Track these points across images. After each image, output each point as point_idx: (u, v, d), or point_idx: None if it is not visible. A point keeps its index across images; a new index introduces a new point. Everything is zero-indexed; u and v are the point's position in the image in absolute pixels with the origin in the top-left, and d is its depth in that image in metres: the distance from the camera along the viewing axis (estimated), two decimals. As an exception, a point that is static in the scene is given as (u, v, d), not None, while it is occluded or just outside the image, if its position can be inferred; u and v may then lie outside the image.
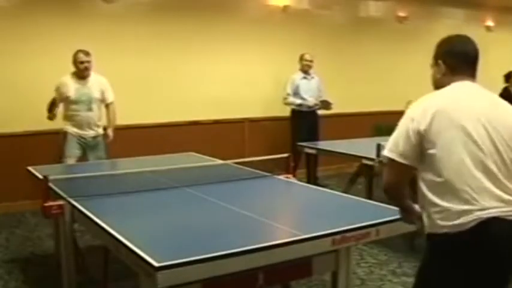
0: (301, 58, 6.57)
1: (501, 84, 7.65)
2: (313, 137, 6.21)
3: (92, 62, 4.98)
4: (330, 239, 2.25)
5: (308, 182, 5.08)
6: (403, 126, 1.95)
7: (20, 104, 5.49)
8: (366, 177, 5.15)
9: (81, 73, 4.96)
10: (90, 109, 5.01)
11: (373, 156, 4.22)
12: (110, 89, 5.13)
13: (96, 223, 2.51)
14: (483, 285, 1.88)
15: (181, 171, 3.67)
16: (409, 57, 8.04)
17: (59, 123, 5.67)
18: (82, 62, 4.92)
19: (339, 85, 7.24)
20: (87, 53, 4.95)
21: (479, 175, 1.84)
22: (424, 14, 8.16)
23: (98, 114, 5.09)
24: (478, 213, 1.81)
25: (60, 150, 5.01)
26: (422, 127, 1.89)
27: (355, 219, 2.42)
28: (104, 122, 5.17)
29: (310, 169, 6.22)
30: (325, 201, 3.08)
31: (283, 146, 5.69)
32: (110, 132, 5.14)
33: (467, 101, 1.96)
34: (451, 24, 8.54)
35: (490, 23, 9.08)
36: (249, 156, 4.15)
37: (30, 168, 3.86)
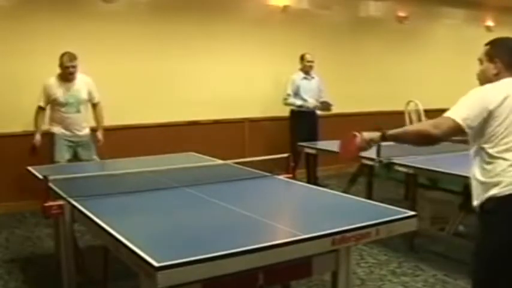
0: (303, 58, 6.56)
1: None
2: (313, 137, 6.21)
3: (78, 65, 4.97)
4: (330, 239, 2.25)
5: (308, 182, 5.08)
6: (475, 99, 2.22)
7: (20, 104, 5.49)
8: (366, 177, 5.15)
9: (66, 77, 4.96)
10: (78, 111, 5.03)
11: (373, 156, 4.22)
12: (96, 89, 5.13)
13: (96, 223, 2.50)
14: None
15: (181, 171, 3.67)
16: (409, 57, 8.05)
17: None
18: (67, 67, 4.92)
19: (339, 85, 7.24)
20: (72, 58, 4.93)
21: None
22: (424, 14, 8.16)
23: (85, 115, 5.12)
24: None
25: (49, 153, 5.00)
26: (493, 105, 2.17)
27: (355, 219, 2.42)
28: (90, 122, 5.19)
29: (310, 169, 6.23)
30: (325, 201, 3.08)
31: (283, 146, 5.69)
32: (100, 135, 5.17)
33: None
34: (451, 24, 8.56)
35: (490, 23, 9.08)
36: (249, 156, 4.15)
37: (30, 168, 3.86)
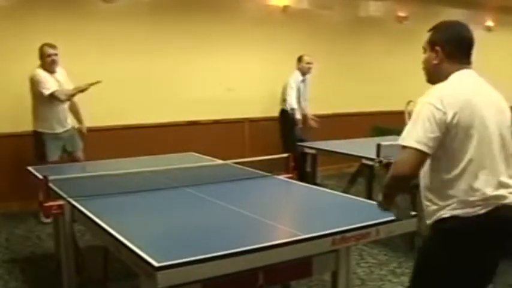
0: (301, 60, 6.47)
1: (501, 84, 7.66)
2: (304, 138, 6.22)
3: (58, 54, 4.92)
4: (330, 239, 2.25)
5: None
6: (427, 116, 1.90)
7: (20, 104, 5.48)
8: (366, 177, 5.15)
9: (49, 67, 4.90)
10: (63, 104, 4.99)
11: (373, 156, 4.22)
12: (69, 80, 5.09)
13: (96, 223, 2.51)
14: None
15: (181, 171, 3.67)
16: (409, 57, 8.00)
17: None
18: (49, 55, 4.87)
19: (338, 85, 7.25)
20: (53, 46, 4.90)
21: (496, 165, 1.95)
22: (424, 14, 8.15)
23: (68, 108, 5.09)
24: (494, 201, 1.92)
25: (38, 153, 4.93)
26: (448, 116, 1.90)
27: (355, 219, 2.42)
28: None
29: (303, 169, 6.22)
30: (325, 201, 3.08)
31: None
32: (84, 128, 5.14)
33: (479, 91, 2.01)
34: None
35: (490, 23, 9.08)
36: (249, 156, 4.16)
37: (30, 168, 3.86)
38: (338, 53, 7.44)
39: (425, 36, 2.14)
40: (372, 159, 4.28)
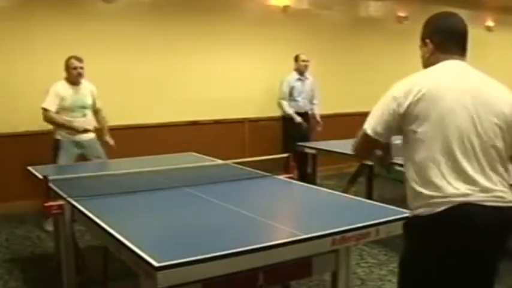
0: (297, 59, 6.47)
1: (501, 84, 7.66)
2: (305, 138, 6.22)
3: (84, 68, 4.96)
4: (330, 239, 2.25)
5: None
6: (384, 105, 1.96)
7: (20, 104, 5.49)
8: (366, 177, 5.15)
9: (74, 79, 4.95)
10: (84, 115, 5.01)
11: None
12: (97, 94, 5.13)
13: (96, 223, 2.51)
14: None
15: (181, 171, 3.67)
16: (409, 57, 7.99)
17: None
18: (75, 68, 4.92)
19: (338, 85, 7.25)
20: (79, 59, 4.95)
21: (458, 160, 1.82)
22: (424, 14, 8.08)
23: (91, 119, 5.10)
24: (453, 198, 1.80)
25: (52, 158, 4.93)
26: (403, 107, 1.88)
27: (355, 219, 2.42)
28: (94, 124, 5.17)
29: (303, 169, 6.21)
30: (325, 201, 3.08)
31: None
32: (110, 139, 5.14)
33: (453, 82, 1.89)
34: (451, 24, 8.54)
35: (490, 23, 9.08)
36: (249, 156, 4.15)
37: (30, 168, 3.86)
38: (338, 53, 7.44)
39: (482, 49, 2.15)
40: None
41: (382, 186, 5.20)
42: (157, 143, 5.73)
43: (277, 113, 6.75)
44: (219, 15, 6.53)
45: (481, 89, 1.90)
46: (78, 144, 5.00)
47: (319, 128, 6.59)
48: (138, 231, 2.42)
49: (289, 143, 6.01)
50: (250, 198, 3.16)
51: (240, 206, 2.78)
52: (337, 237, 2.27)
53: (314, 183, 4.92)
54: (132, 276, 2.16)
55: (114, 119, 5.56)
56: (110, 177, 3.54)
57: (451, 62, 1.96)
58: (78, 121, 4.94)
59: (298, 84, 6.51)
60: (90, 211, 2.68)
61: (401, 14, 8.03)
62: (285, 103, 6.45)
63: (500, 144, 1.85)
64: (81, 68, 4.95)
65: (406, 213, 2.45)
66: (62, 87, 4.93)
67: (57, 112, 4.90)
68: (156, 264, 1.87)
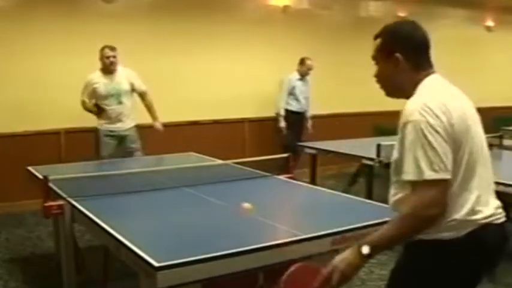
0: (303, 63, 6.56)
1: (501, 84, 7.66)
2: (300, 138, 6.26)
3: (118, 56, 5.05)
4: (330, 239, 2.26)
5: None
6: (433, 136, 1.61)
7: (20, 104, 5.49)
8: (366, 177, 5.15)
9: (107, 68, 5.02)
10: (120, 102, 5.09)
11: (373, 156, 4.22)
12: (137, 78, 5.20)
13: (96, 223, 2.51)
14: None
15: (181, 171, 3.67)
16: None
17: (57, 123, 5.69)
18: (108, 57, 5.00)
19: (338, 85, 7.24)
20: (112, 48, 5.03)
21: (480, 179, 1.73)
22: (424, 14, 8.15)
23: (128, 107, 5.16)
24: (483, 221, 1.70)
25: (95, 148, 5.07)
26: (448, 132, 1.63)
27: (355, 219, 2.42)
28: (136, 116, 5.27)
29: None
30: (325, 201, 3.08)
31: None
32: (158, 124, 5.26)
33: (462, 99, 1.77)
34: (451, 24, 8.55)
35: (490, 23, 9.07)
36: (249, 156, 4.15)
37: (30, 168, 3.86)
38: (338, 53, 7.44)
39: (374, 44, 1.90)
40: (372, 159, 4.30)
41: (382, 186, 5.19)
42: (157, 143, 5.72)
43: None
44: (219, 15, 6.53)
45: (470, 105, 1.80)
46: (115, 134, 5.10)
47: (310, 130, 6.63)
48: (138, 231, 2.42)
49: (287, 140, 6.06)
50: (250, 198, 3.15)
51: (240, 206, 2.78)
52: (337, 237, 2.27)
53: (314, 183, 4.92)
54: (132, 276, 2.16)
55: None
56: (110, 177, 3.54)
57: (438, 77, 1.79)
58: (112, 109, 5.03)
59: (299, 83, 6.56)
60: (90, 211, 2.68)
61: (401, 14, 8.02)
62: (282, 102, 6.48)
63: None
64: (114, 56, 5.02)
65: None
66: (95, 77, 5.04)
67: (96, 102, 5.03)
68: (156, 264, 1.87)
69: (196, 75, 6.46)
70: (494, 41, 8.61)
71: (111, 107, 5.06)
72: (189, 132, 6.33)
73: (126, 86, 5.09)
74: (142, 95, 5.27)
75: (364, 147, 4.81)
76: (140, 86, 5.20)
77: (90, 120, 5.34)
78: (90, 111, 5.07)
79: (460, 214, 1.67)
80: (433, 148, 1.60)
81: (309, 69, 6.58)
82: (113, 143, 5.12)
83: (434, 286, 1.75)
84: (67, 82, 5.63)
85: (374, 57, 1.86)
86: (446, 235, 1.68)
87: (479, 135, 1.76)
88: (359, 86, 7.47)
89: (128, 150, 5.16)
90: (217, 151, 4.73)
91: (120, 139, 5.13)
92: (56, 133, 5.72)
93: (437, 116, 1.62)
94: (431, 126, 1.61)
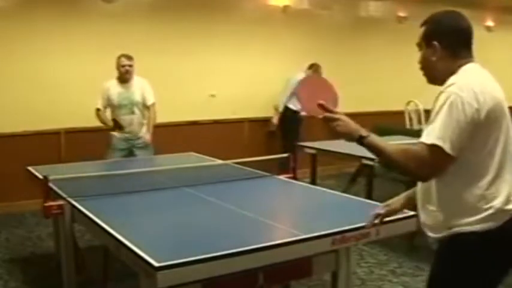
0: (316, 70, 6.57)
1: (501, 84, 7.64)
2: (299, 138, 6.27)
3: (134, 65, 5.04)
4: (330, 239, 2.25)
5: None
6: (454, 110, 1.66)
7: (20, 104, 5.49)
8: (366, 177, 5.14)
9: (122, 77, 5.01)
10: (132, 112, 5.07)
11: (373, 156, 4.21)
12: (150, 90, 5.16)
13: (96, 223, 2.51)
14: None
15: (181, 171, 3.67)
16: (409, 57, 8.00)
17: (57, 123, 5.69)
18: (123, 66, 4.99)
19: (338, 85, 7.18)
20: (129, 57, 5.02)
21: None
22: (424, 14, 8.10)
23: (140, 117, 5.14)
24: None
25: (106, 152, 5.04)
26: (480, 113, 1.67)
27: (355, 219, 2.42)
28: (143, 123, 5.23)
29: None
30: (325, 201, 3.08)
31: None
32: (146, 135, 5.15)
33: (498, 90, 1.80)
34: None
35: (490, 23, 9.07)
36: (249, 156, 4.15)
37: (30, 168, 3.86)
38: (338, 53, 7.43)
39: (419, 31, 1.96)
40: (372, 159, 4.29)
41: (382, 186, 5.19)
42: (157, 143, 5.72)
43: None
44: (219, 15, 6.53)
45: (503, 97, 1.82)
46: (127, 143, 5.08)
47: None
48: (138, 231, 2.42)
49: (287, 136, 6.07)
50: (250, 198, 3.16)
51: (240, 206, 2.78)
52: (337, 237, 2.27)
53: (314, 183, 4.92)
54: (132, 276, 2.16)
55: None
56: (110, 177, 3.54)
57: (477, 66, 1.84)
58: (124, 118, 5.00)
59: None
60: (90, 211, 2.68)
61: (401, 14, 8.02)
62: (284, 99, 6.50)
63: None
64: (130, 65, 5.01)
65: (406, 213, 2.47)
66: (111, 86, 5.02)
67: (110, 110, 5.04)
68: (156, 264, 1.87)
69: (196, 75, 6.46)
70: (494, 41, 8.61)
71: (123, 116, 5.05)
72: (189, 132, 6.32)
73: (138, 97, 5.08)
74: (148, 107, 5.21)
75: (364, 147, 4.80)
76: (148, 99, 5.14)
77: (90, 120, 5.34)
78: (104, 123, 5.04)
79: (497, 202, 1.71)
80: (451, 124, 1.65)
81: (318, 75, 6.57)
82: (123, 151, 5.08)
83: (471, 279, 1.77)
84: (67, 82, 5.64)
85: (418, 44, 1.91)
86: (484, 226, 1.71)
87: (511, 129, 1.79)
88: (359, 86, 7.49)
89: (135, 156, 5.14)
90: (217, 151, 4.72)
91: (132, 148, 5.11)
92: (56, 133, 5.72)
93: (473, 97, 1.67)
94: (462, 103, 1.66)
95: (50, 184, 3.02)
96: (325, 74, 6.92)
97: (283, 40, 6.95)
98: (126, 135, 5.05)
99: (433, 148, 1.67)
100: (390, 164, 1.86)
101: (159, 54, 6.17)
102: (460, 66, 1.80)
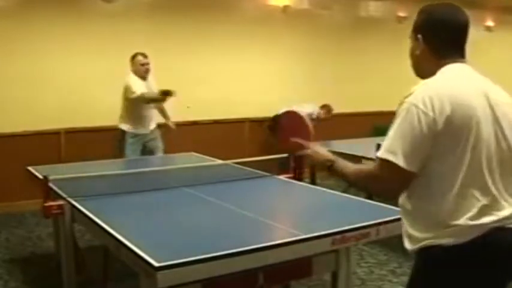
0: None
1: (501, 84, 7.65)
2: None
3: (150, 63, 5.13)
4: (330, 239, 2.25)
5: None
6: (408, 121, 1.54)
7: (20, 104, 5.49)
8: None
9: (143, 75, 5.10)
10: (151, 106, 5.21)
11: (373, 156, 4.22)
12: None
13: (96, 223, 2.51)
14: None
15: (181, 171, 3.67)
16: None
17: (57, 123, 5.69)
18: (143, 64, 5.08)
19: (338, 85, 7.24)
20: (145, 55, 5.12)
21: (488, 183, 1.58)
22: (424, 14, 8.15)
23: (154, 110, 5.31)
24: (493, 225, 1.56)
25: (118, 149, 5.10)
26: (439, 125, 1.52)
27: (355, 219, 2.42)
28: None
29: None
30: (325, 201, 3.08)
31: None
32: (169, 122, 5.41)
33: (476, 94, 1.61)
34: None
35: (490, 23, 9.07)
36: (249, 156, 4.15)
37: (30, 168, 3.86)
38: (338, 53, 7.43)
39: (482, 48, 1.82)
40: (372, 159, 4.29)
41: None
42: (157, 143, 5.74)
43: (277, 112, 6.75)
44: (219, 15, 6.53)
45: (502, 98, 1.68)
46: (139, 137, 5.15)
47: None
48: (138, 231, 2.42)
49: None
50: (250, 198, 3.16)
51: (240, 206, 2.78)
52: (337, 237, 2.27)
53: (314, 183, 4.92)
54: (132, 276, 2.16)
55: (112, 120, 5.55)
56: (110, 177, 3.54)
57: (461, 66, 1.68)
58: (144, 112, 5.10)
59: None
60: (90, 211, 2.68)
61: (401, 14, 8.02)
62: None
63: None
64: (148, 64, 5.12)
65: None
66: (137, 79, 5.07)
67: (128, 105, 5.07)
68: (156, 264, 1.87)
69: (196, 75, 6.45)
70: (494, 41, 8.62)
71: (148, 110, 5.17)
72: (189, 132, 6.32)
73: (156, 91, 5.16)
74: None
75: (363, 147, 4.81)
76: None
77: (90, 120, 5.35)
78: (154, 100, 5.07)
79: (462, 219, 1.56)
80: (404, 136, 1.54)
81: None
82: (139, 146, 5.16)
83: None
84: (67, 82, 5.64)
85: (410, 35, 1.77)
86: (448, 241, 1.56)
87: (494, 135, 1.60)
88: (359, 86, 7.49)
89: (150, 152, 5.22)
90: (217, 151, 4.73)
91: (145, 141, 5.19)
92: (56, 133, 5.72)
93: (430, 105, 1.53)
94: (416, 113, 1.53)
95: (50, 184, 3.02)
96: (326, 73, 6.95)
97: (283, 40, 6.95)
98: (140, 130, 5.12)
99: (386, 163, 1.57)
100: (357, 188, 1.89)
101: (159, 54, 6.15)
102: (441, 66, 1.65)
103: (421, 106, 1.53)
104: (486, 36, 8.48)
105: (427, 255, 1.63)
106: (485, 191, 1.58)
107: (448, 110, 1.53)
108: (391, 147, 1.56)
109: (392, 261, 4.01)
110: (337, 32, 7.51)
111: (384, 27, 7.96)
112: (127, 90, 5.01)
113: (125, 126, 5.15)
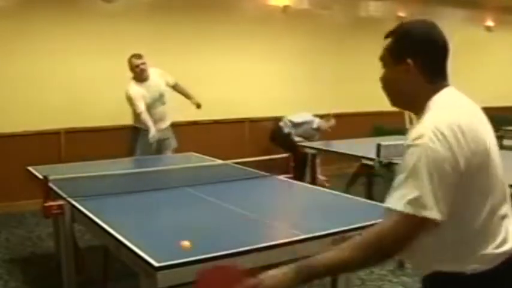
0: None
1: (501, 84, 7.65)
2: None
3: (146, 62, 5.07)
4: (330, 239, 2.25)
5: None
6: (436, 172, 1.32)
7: (20, 104, 5.49)
8: (366, 177, 5.15)
9: (140, 77, 5.03)
10: (163, 103, 5.17)
11: (373, 156, 4.22)
12: (166, 73, 5.28)
13: (96, 223, 2.51)
14: None
15: (181, 171, 3.68)
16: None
17: (57, 123, 5.69)
18: (137, 66, 5.01)
19: (338, 85, 7.24)
20: (139, 56, 5.05)
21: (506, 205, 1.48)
22: (424, 14, 8.15)
23: (168, 106, 5.26)
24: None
25: (130, 146, 5.08)
26: (462, 162, 1.34)
27: (355, 219, 2.42)
28: (171, 114, 5.35)
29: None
30: (325, 201, 3.08)
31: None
32: (193, 100, 5.41)
33: (477, 117, 1.48)
34: (451, 24, 8.55)
35: (490, 23, 9.07)
36: (249, 156, 4.15)
37: (30, 168, 3.86)
38: (338, 53, 7.44)
39: (384, 43, 1.62)
40: (372, 159, 4.29)
41: (382, 187, 5.20)
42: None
43: (277, 112, 6.76)
44: (219, 15, 6.53)
45: (484, 118, 1.51)
46: (161, 133, 5.12)
47: None
48: (138, 231, 2.42)
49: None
50: (250, 198, 3.16)
51: (240, 206, 2.78)
52: (337, 237, 2.26)
53: (314, 183, 4.92)
54: (132, 276, 2.16)
55: (113, 120, 5.57)
56: (110, 177, 3.54)
57: (455, 92, 1.50)
58: (152, 133, 4.97)
59: None
60: (90, 211, 2.68)
61: (401, 14, 8.02)
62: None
63: None
64: (143, 63, 5.04)
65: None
66: (137, 88, 5.03)
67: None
68: (156, 264, 1.87)
69: (196, 75, 6.44)
70: (494, 41, 8.62)
71: (157, 109, 5.12)
72: (189, 132, 6.32)
73: (163, 86, 5.17)
74: (174, 87, 5.33)
75: (364, 147, 4.81)
76: (171, 80, 5.27)
77: (90, 120, 5.35)
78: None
79: (489, 248, 1.42)
80: (432, 182, 1.32)
81: None
82: (152, 145, 5.10)
83: None
84: (67, 82, 5.64)
85: (382, 59, 1.58)
86: (473, 267, 1.41)
87: (498, 158, 1.48)
88: (359, 86, 7.49)
89: (162, 151, 5.20)
90: (217, 151, 4.73)
91: (160, 140, 5.15)
92: (56, 133, 5.72)
93: (448, 146, 1.33)
94: (439, 159, 1.32)
95: (50, 184, 3.02)
96: (325, 73, 6.95)
97: (283, 40, 6.96)
98: (156, 128, 5.08)
99: (415, 219, 1.32)
100: (350, 270, 1.56)
101: (159, 54, 6.15)
102: (436, 92, 1.46)
103: (441, 150, 1.33)
104: (486, 36, 8.49)
105: (438, 280, 1.46)
106: (505, 216, 1.47)
107: (470, 145, 1.36)
108: (424, 201, 1.31)
109: (392, 261, 4.01)
110: (337, 32, 7.51)
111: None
112: (130, 102, 4.99)
113: (138, 124, 5.13)
